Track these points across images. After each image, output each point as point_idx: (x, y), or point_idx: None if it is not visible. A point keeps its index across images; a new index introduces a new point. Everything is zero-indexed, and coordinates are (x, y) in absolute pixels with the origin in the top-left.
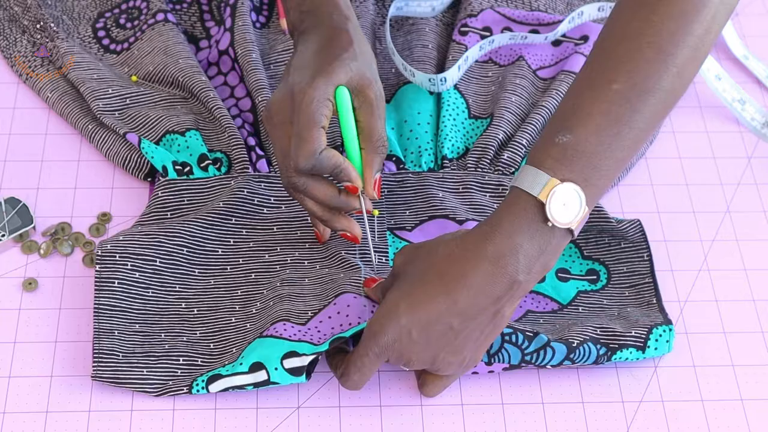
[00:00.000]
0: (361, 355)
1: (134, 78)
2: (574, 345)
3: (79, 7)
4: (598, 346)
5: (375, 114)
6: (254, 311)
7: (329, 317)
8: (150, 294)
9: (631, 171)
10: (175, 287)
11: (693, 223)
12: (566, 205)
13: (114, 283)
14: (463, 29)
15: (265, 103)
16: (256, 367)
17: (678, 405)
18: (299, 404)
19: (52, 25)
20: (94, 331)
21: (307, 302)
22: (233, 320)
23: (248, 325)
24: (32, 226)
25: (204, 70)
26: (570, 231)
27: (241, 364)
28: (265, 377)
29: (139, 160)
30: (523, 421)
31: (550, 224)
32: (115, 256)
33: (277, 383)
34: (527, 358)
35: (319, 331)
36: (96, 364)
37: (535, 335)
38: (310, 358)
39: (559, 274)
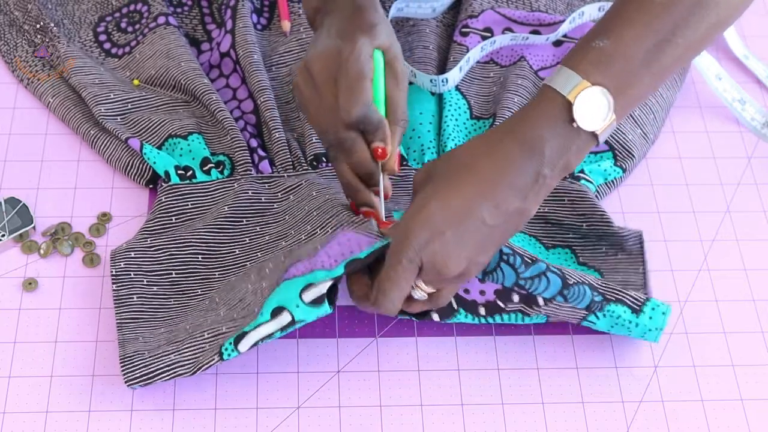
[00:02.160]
0: (393, 264)
1: (136, 82)
2: (570, 282)
3: (79, 11)
4: (594, 293)
5: (400, 86)
6: (268, 272)
7: (339, 243)
8: (172, 302)
9: (631, 171)
10: (197, 291)
11: (693, 223)
12: (594, 109)
13: (133, 298)
14: (464, 30)
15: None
16: (278, 311)
17: (678, 405)
18: (299, 404)
19: (52, 25)
20: (119, 342)
21: (314, 241)
22: (250, 287)
23: (264, 283)
24: (32, 226)
25: (206, 73)
26: (595, 136)
27: (261, 314)
28: (289, 318)
29: (140, 165)
30: (523, 421)
31: (575, 125)
32: (130, 274)
33: (303, 320)
34: (521, 282)
35: (329, 256)
36: (124, 369)
37: (533, 261)
38: (328, 284)
39: None
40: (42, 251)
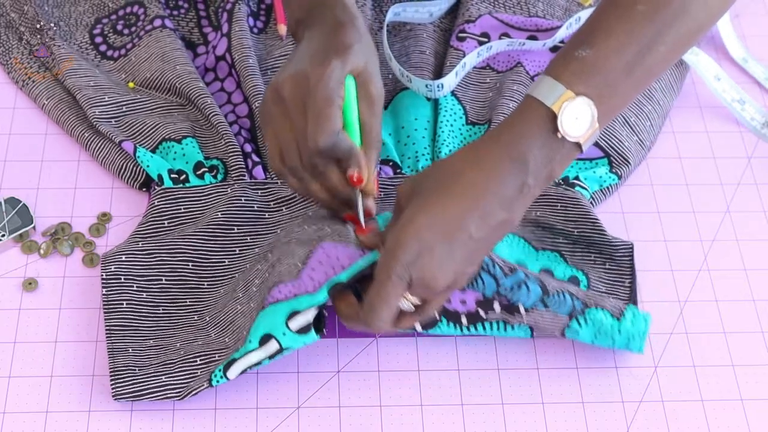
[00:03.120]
0: (383, 281)
1: (131, 84)
2: (550, 290)
3: (76, 13)
4: (575, 299)
5: (374, 110)
6: (255, 289)
7: (320, 262)
8: (161, 311)
9: (627, 178)
10: (186, 302)
11: (693, 223)
12: (578, 119)
13: (122, 304)
14: (460, 35)
15: (255, 95)
16: (265, 339)
17: (678, 405)
18: (299, 404)
19: (52, 24)
20: (108, 351)
21: (294, 254)
22: (239, 307)
23: (252, 304)
24: (32, 226)
25: (201, 76)
26: (578, 145)
27: (250, 341)
28: (277, 346)
29: (134, 169)
30: (523, 421)
31: (559, 136)
32: (120, 278)
33: (291, 348)
34: (501, 291)
35: (312, 279)
36: (114, 383)
37: (512, 271)
38: (312, 311)
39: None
40: (42, 251)
